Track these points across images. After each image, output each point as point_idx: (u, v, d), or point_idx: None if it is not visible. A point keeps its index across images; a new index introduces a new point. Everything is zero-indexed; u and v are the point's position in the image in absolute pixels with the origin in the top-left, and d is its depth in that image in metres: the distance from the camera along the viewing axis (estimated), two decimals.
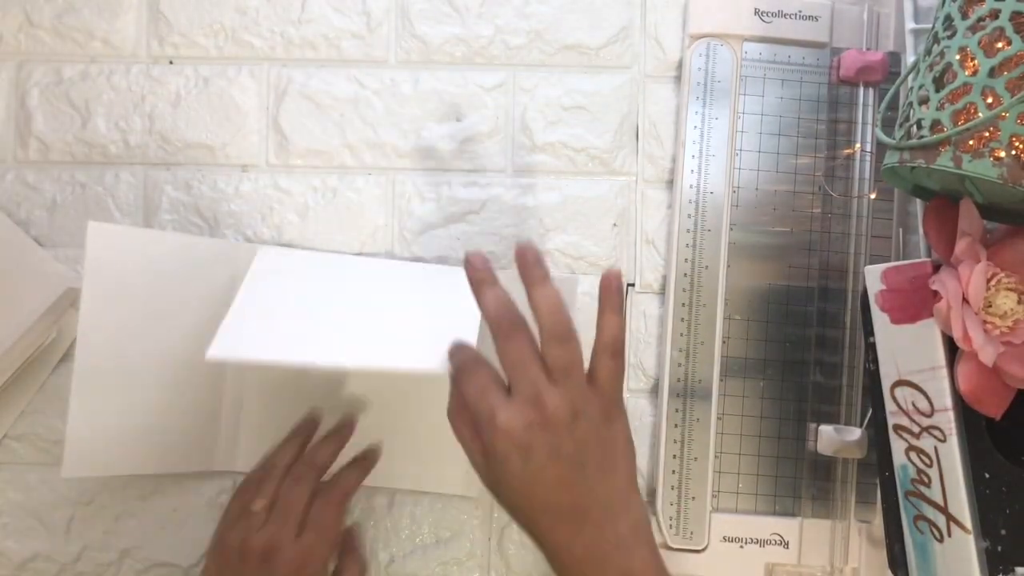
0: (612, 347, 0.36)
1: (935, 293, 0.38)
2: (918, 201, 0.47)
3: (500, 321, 0.35)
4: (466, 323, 0.40)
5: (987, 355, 0.36)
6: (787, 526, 0.47)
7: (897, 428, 0.41)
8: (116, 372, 0.44)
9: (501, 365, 0.35)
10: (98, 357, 0.43)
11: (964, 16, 0.36)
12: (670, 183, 0.50)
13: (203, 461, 0.48)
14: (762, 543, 0.47)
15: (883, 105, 0.45)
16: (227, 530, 0.42)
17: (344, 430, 0.46)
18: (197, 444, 0.48)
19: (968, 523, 0.37)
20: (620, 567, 0.34)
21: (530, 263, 0.36)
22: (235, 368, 0.49)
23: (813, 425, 0.48)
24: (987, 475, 0.38)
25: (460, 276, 0.38)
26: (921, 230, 0.46)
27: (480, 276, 0.37)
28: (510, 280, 0.37)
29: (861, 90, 0.49)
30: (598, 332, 0.37)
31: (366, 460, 0.46)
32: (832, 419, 0.47)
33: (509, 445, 0.33)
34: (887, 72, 0.48)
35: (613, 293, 0.37)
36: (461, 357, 0.37)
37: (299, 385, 0.49)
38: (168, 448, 0.47)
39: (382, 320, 0.44)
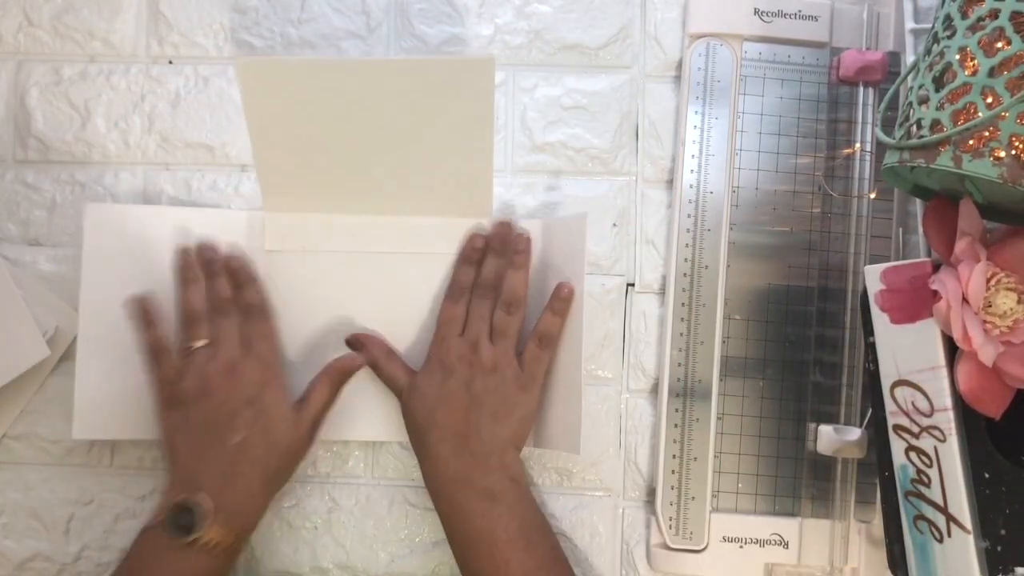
0: (541, 338, 0.46)
1: (935, 293, 0.38)
2: (918, 201, 0.47)
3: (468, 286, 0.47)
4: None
5: (987, 355, 0.36)
6: (787, 526, 0.47)
7: (897, 428, 0.41)
8: (117, 341, 0.46)
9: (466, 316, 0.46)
10: (99, 328, 0.46)
11: (964, 16, 0.36)
12: (670, 183, 0.50)
13: None
14: (762, 543, 0.47)
15: (883, 105, 0.45)
16: (177, 381, 0.44)
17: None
18: None
19: (968, 523, 0.37)
20: (481, 488, 0.42)
21: (518, 250, 0.46)
22: None
23: (813, 425, 0.47)
24: (987, 475, 0.38)
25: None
26: (921, 230, 0.46)
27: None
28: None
29: (861, 90, 0.48)
30: (537, 323, 0.46)
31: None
32: (832, 419, 0.47)
33: (441, 363, 0.45)
34: (887, 72, 0.48)
35: (561, 299, 0.46)
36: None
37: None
38: None
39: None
